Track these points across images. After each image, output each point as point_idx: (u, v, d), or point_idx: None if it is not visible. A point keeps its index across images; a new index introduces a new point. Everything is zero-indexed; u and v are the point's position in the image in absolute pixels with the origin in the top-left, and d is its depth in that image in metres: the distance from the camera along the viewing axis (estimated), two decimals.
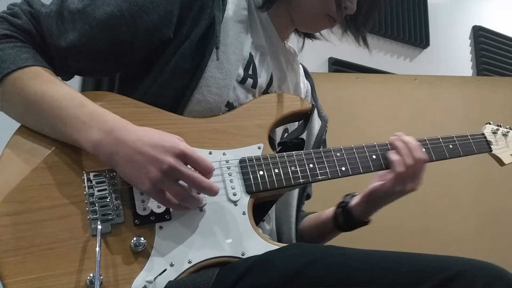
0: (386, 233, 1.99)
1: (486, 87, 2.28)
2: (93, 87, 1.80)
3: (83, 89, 1.79)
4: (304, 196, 1.12)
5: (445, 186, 2.10)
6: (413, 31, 3.03)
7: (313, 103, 1.17)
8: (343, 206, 1.09)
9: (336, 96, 2.15)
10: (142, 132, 0.78)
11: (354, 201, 1.08)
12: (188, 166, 0.78)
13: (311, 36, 1.15)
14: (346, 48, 2.81)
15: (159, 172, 0.74)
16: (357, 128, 2.05)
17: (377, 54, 2.85)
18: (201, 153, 0.79)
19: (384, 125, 2.09)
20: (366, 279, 0.67)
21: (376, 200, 1.04)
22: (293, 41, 1.18)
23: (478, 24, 3.33)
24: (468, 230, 2.05)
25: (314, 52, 2.78)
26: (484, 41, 3.29)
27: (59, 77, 0.85)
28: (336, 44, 1.13)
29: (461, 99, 2.23)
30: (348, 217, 1.08)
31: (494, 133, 1.16)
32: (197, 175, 0.77)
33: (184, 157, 0.76)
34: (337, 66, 2.64)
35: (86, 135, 0.77)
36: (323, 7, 0.98)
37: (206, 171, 0.78)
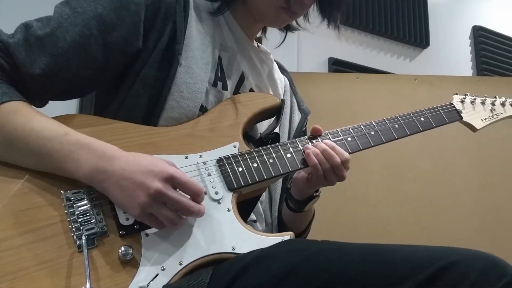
0: (386, 232, 2.00)
1: (486, 87, 2.27)
2: (77, 102, 1.83)
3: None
4: (286, 189, 1.11)
5: (445, 185, 2.10)
6: (413, 31, 3.03)
7: (293, 96, 1.18)
8: (286, 195, 1.09)
9: (336, 96, 2.15)
10: (132, 158, 0.78)
11: (292, 187, 1.07)
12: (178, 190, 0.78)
13: (291, 28, 1.15)
14: (346, 48, 2.84)
15: (147, 196, 0.74)
16: None
17: (377, 54, 2.85)
18: (190, 177, 0.79)
19: None
20: (362, 273, 0.67)
21: (305, 188, 1.03)
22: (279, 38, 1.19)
23: (478, 24, 3.33)
24: (468, 229, 2.05)
25: (314, 52, 2.79)
26: (484, 41, 3.29)
27: (37, 109, 0.83)
28: (336, 44, 1.13)
29: None
30: (294, 203, 1.06)
31: (462, 101, 1.20)
32: (184, 199, 0.77)
33: (172, 181, 0.76)
34: (337, 66, 2.64)
35: (76, 164, 0.77)
36: (274, 1, 0.98)
37: (196, 194, 0.78)
